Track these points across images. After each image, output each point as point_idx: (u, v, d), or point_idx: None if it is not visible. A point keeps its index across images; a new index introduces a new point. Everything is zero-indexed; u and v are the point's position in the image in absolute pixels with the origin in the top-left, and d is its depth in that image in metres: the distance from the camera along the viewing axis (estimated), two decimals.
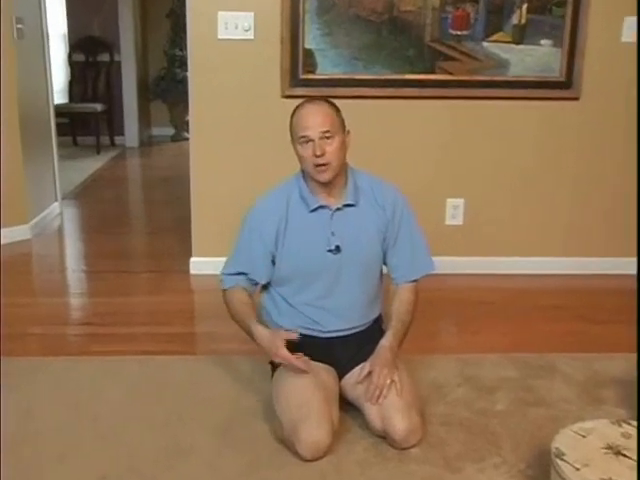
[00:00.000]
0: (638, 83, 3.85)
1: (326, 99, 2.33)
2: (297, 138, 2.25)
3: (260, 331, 2.31)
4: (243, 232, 2.41)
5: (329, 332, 2.39)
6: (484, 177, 4.07)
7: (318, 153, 2.21)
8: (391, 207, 2.39)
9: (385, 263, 2.47)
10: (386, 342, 2.33)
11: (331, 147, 2.23)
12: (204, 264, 3.98)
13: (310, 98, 2.37)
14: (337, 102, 2.36)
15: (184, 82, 7.72)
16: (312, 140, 2.22)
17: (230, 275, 2.45)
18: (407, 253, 2.44)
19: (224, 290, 2.47)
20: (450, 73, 3.86)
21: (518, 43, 3.82)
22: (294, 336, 2.26)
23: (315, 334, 2.39)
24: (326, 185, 2.30)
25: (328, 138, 2.22)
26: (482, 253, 4.14)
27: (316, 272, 2.34)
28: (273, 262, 2.38)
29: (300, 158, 2.29)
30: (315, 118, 2.22)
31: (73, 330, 3.37)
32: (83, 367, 2.90)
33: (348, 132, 2.32)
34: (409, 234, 2.44)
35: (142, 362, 2.94)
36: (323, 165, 2.23)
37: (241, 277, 2.42)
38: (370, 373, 2.28)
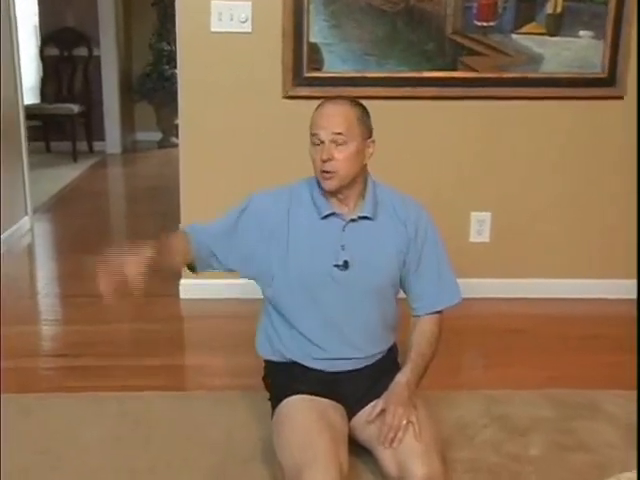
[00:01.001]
0: (638, 83, 3.85)
1: (353, 100, 2.34)
2: (310, 136, 2.28)
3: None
4: (230, 212, 2.43)
5: (336, 360, 2.39)
6: (514, 188, 4.08)
7: (324, 157, 2.23)
8: (414, 225, 2.39)
9: (403, 289, 2.48)
10: (403, 378, 2.33)
11: (341, 154, 2.24)
12: (195, 287, 3.99)
13: (334, 96, 2.39)
14: None
15: (173, 80, 7.91)
16: (322, 142, 2.24)
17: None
18: (432, 280, 2.44)
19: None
20: (475, 70, 3.86)
21: (553, 35, 3.83)
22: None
23: (321, 367, 2.39)
24: (335, 194, 2.32)
25: (340, 144, 2.23)
26: (512, 274, 4.13)
27: (321, 288, 2.34)
28: (247, 261, 2.39)
29: (311, 161, 2.31)
30: (331, 119, 2.24)
31: (44, 363, 3.37)
32: (55, 405, 2.89)
33: (372, 141, 2.32)
34: (434, 258, 2.44)
35: (123, 399, 2.94)
36: (329, 172, 2.25)
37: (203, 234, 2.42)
38: (383, 412, 2.27)
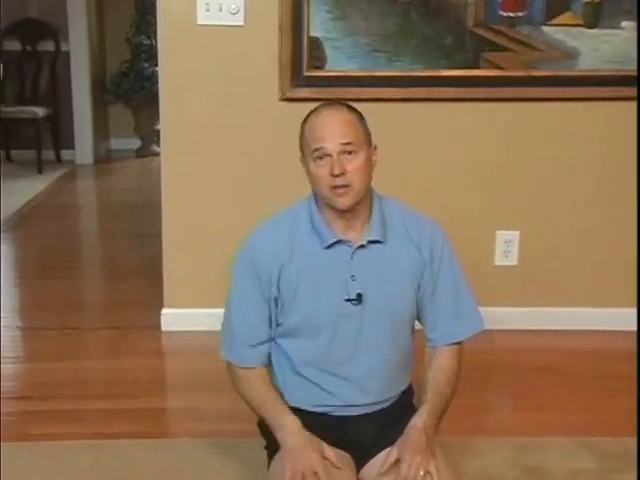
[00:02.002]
0: (638, 83, 3.84)
1: (347, 104, 2.34)
2: (309, 153, 2.27)
3: (292, 428, 2.28)
4: (242, 278, 2.41)
5: (346, 407, 2.39)
6: (546, 203, 4.09)
7: (337, 172, 2.22)
8: (428, 246, 2.39)
9: (419, 318, 2.47)
10: (419, 421, 2.29)
11: (353, 165, 2.24)
12: (179, 318, 4.02)
13: (326, 102, 2.38)
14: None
15: (153, 80, 8.04)
16: (329, 155, 2.23)
17: (240, 347, 2.43)
18: (449, 307, 2.44)
19: (230, 367, 2.47)
20: (499, 67, 3.87)
21: (591, 27, 3.84)
22: (333, 459, 2.25)
23: (327, 410, 2.39)
24: (345, 214, 2.31)
25: (350, 153, 2.23)
26: (543, 302, 4.14)
27: (331, 327, 2.33)
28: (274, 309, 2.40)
29: (313, 179, 2.30)
30: (334, 127, 2.25)
31: (5, 407, 3.32)
32: (18, 457, 2.87)
33: (375, 147, 2.34)
34: (452, 282, 2.44)
35: (98, 448, 2.93)
36: (343, 187, 2.24)
37: (257, 354, 2.43)
38: (398, 462, 2.22)
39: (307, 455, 2.19)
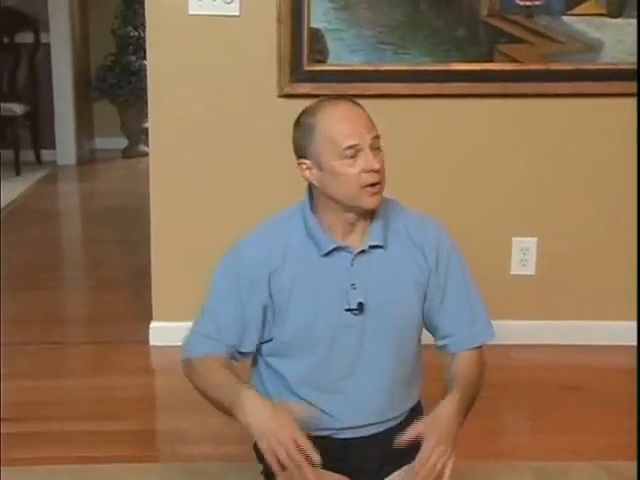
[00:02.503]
0: (638, 83, 3.85)
1: (350, 97, 2.35)
2: (338, 151, 2.23)
3: (255, 400, 2.18)
4: (221, 280, 2.39)
5: (347, 430, 2.36)
6: (566, 207, 4.09)
7: (377, 167, 2.22)
8: (433, 250, 2.38)
9: (428, 328, 2.46)
10: (450, 406, 2.24)
11: (380, 162, 2.25)
12: (169, 332, 3.95)
13: (327, 97, 2.37)
14: None
15: (141, 74, 8.01)
16: (361, 150, 2.22)
17: (203, 336, 2.37)
18: (463, 312, 2.44)
19: (187, 359, 2.38)
20: (516, 61, 3.88)
21: (615, 16, 3.85)
22: (314, 413, 2.22)
23: (327, 433, 2.35)
24: (355, 217, 2.31)
25: (378, 149, 2.25)
26: (563, 315, 4.14)
27: (329, 341, 2.32)
28: (264, 320, 2.36)
29: (338, 180, 2.26)
30: (361, 121, 2.25)
31: None
32: None
33: None
34: (462, 285, 2.44)
35: (81, 473, 2.94)
36: (376, 185, 2.24)
37: (218, 344, 2.35)
38: (417, 444, 2.17)
39: (279, 424, 2.10)
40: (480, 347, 2.45)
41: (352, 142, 2.21)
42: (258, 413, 2.13)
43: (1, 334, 4.16)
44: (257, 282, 2.32)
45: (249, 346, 2.38)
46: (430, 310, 2.42)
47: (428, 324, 2.45)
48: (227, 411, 2.21)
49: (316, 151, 2.27)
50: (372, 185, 2.23)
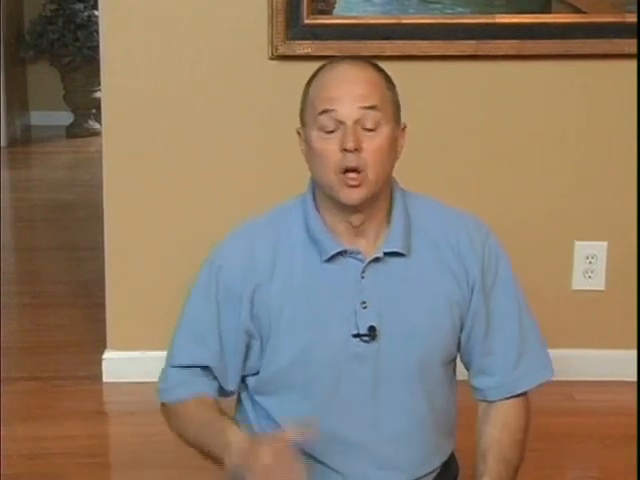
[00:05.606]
0: (638, 82, 3.70)
1: (374, 63, 2.24)
2: (313, 118, 2.14)
3: (238, 437, 2.12)
4: (195, 299, 2.29)
5: None
6: None
7: (349, 145, 2.05)
8: (478, 260, 2.25)
9: (464, 362, 2.34)
10: None
11: (373, 143, 2.09)
12: (127, 364, 3.88)
13: (346, 56, 2.44)
14: None
15: (90, 28, 8.00)
16: (341, 123, 2.08)
17: (178, 371, 2.30)
18: (510, 345, 2.29)
19: (163, 405, 2.35)
20: (580, 11, 3.71)
21: None
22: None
23: None
24: (352, 215, 2.17)
25: (370, 128, 2.09)
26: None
27: (334, 377, 2.19)
28: (247, 349, 2.27)
29: (314, 157, 2.16)
30: (353, 86, 2.12)
31: None
32: None
33: (404, 127, 2.23)
34: (514, 309, 2.29)
35: None
36: (354, 172, 2.08)
37: (199, 380, 2.28)
38: None
39: (253, 452, 2.04)
40: (526, 393, 2.35)
41: (327, 106, 2.13)
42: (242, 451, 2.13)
43: None
44: (236, 300, 2.24)
45: (232, 384, 2.33)
46: (470, 341, 2.31)
47: (462, 355, 2.36)
48: (215, 459, 2.19)
49: (304, 119, 2.23)
50: (351, 171, 2.11)
